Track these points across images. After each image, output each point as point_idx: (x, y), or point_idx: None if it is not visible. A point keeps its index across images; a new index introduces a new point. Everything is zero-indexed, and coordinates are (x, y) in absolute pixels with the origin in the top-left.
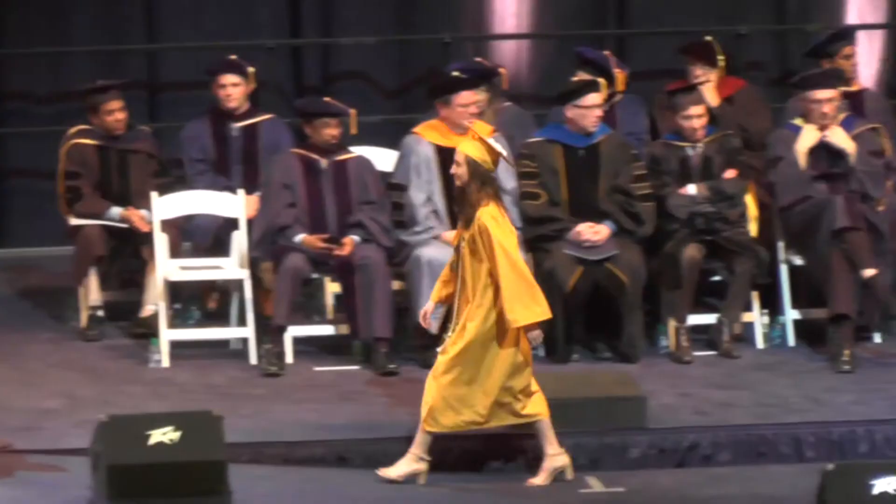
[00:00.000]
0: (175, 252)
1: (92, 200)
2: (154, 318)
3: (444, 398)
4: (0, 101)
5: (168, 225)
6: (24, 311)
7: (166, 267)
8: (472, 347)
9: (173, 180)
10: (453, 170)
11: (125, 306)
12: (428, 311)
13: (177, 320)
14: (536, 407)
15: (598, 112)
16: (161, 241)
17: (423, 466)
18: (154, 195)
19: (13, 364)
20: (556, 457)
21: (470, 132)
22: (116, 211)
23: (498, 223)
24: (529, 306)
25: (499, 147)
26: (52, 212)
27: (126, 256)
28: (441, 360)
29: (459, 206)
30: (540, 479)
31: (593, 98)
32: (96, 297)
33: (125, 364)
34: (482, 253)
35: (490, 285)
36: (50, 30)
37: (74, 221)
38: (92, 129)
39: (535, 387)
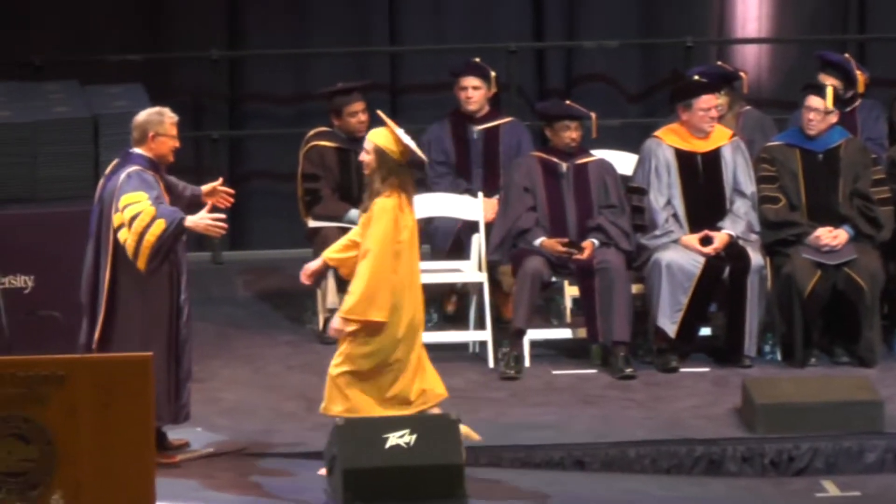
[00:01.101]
0: None
1: (331, 203)
2: None
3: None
4: (241, 103)
5: None
6: (263, 314)
7: None
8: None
9: None
10: (361, 157)
11: None
12: (311, 267)
13: None
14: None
15: (811, 115)
16: None
17: None
18: None
19: (253, 367)
20: None
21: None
22: (355, 213)
23: (389, 216)
24: (369, 304)
25: (408, 140)
26: (291, 214)
27: None
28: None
29: (365, 193)
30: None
31: (813, 101)
32: (334, 299)
33: None
34: None
35: None
36: (291, 31)
37: (313, 224)
38: (332, 132)
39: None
